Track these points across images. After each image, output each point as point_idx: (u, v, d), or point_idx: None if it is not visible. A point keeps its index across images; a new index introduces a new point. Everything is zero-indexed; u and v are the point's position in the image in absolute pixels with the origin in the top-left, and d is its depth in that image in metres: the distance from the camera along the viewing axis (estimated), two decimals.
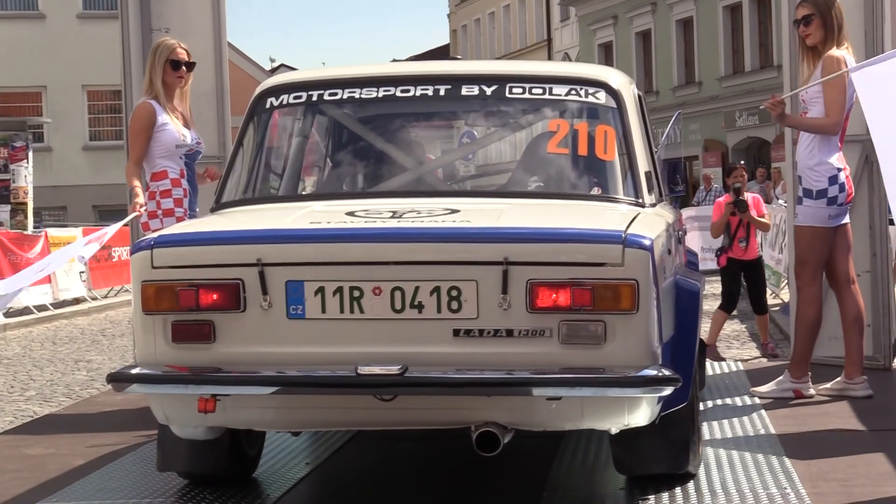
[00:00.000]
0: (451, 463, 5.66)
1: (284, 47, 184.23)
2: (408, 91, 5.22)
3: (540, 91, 5.17)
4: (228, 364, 4.33)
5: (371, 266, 4.24)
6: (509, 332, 4.21)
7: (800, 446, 5.63)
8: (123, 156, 8.43)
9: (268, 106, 5.35)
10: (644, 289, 4.18)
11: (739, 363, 8.61)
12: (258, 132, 5.37)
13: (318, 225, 4.47)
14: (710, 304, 16.16)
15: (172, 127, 7.05)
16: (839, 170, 6.74)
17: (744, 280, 10.54)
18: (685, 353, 4.75)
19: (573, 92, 5.17)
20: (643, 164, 5.10)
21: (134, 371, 4.37)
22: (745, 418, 6.35)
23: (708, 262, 22.46)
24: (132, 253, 4.44)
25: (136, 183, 6.98)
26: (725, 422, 6.29)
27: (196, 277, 4.31)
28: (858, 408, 6.57)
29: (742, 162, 10.86)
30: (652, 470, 4.90)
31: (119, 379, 4.38)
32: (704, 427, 6.05)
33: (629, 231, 4.27)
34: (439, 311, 4.22)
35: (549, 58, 44.35)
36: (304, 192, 5.48)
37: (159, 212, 7.04)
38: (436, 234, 4.32)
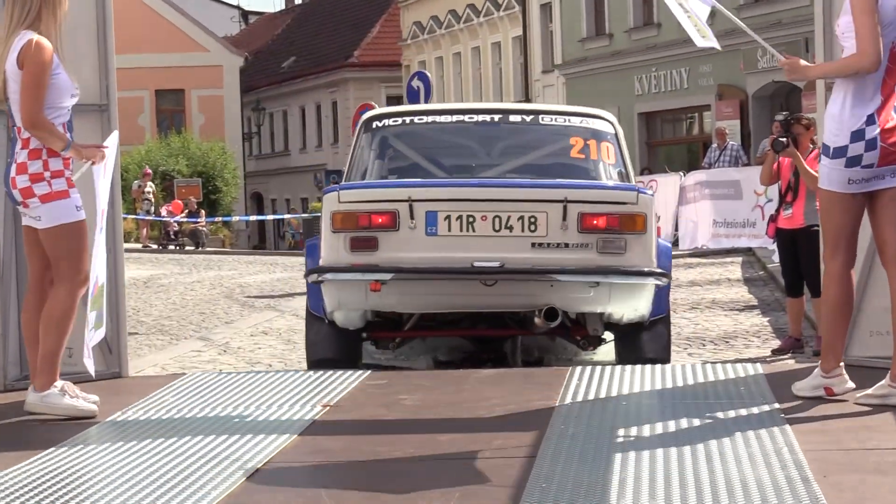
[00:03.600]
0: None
1: None
2: (472, 118, 10.01)
3: (562, 120, 9.96)
4: (387, 264, 8.73)
5: (481, 202, 8.80)
6: (566, 245, 8.76)
7: (832, 469, 5.63)
8: None
9: (374, 127, 9.94)
10: (649, 219, 8.77)
11: (759, 366, 8.58)
12: (367, 142, 9.89)
13: (446, 178, 9.47)
14: (713, 292, 16.16)
15: (65, 73, 7.00)
16: (868, 123, 6.65)
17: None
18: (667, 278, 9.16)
19: (584, 121, 9.93)
20: (631, 170, 9.79)
21: (326, 265, 8.82)
22: (764, 431, 6.34)
23: (721, 240, 22.47)
24: (325, 193, 9.08)
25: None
26: (738, 435, 6.29)
27: (368, 209, 8.79)
28: None
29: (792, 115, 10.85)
30: (646, 355, 9.17)
31: (316, 272, 8.84)
32: (714, 444, 6.14)
33: (639, 188, 9.10)
34: (523, 231, 8.76)
35: None
36: (406, 178, 9.65)
37: (47, 174, 7.04)
38: (523, 184, 9.20)
